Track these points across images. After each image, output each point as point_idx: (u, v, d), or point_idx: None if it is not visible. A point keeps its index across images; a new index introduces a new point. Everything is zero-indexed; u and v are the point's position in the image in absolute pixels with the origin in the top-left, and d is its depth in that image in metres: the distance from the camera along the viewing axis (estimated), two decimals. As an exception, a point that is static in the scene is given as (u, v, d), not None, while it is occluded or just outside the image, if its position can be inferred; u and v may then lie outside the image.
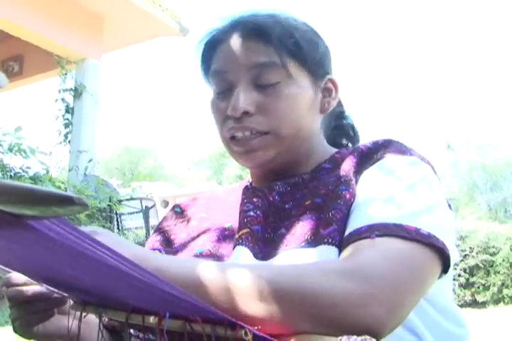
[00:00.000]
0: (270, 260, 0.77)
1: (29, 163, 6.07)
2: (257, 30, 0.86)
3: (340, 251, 0.71)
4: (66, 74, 7.49)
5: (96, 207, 6.06)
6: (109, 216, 6.60)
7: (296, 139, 0.89)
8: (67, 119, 7.42)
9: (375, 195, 0.76)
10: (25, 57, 7.95)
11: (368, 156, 0.85)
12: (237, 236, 0.82)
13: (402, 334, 0.71)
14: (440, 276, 0.72)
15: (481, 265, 9.95)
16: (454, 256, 0.82)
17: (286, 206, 0.86)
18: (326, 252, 0.72)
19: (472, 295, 9.85)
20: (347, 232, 0.72)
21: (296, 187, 0.89)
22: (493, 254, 10.08)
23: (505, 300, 9.72)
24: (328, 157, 0.92)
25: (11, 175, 5.77)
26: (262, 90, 0.86)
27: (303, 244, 0.75)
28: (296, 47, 0.87)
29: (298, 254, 0.74)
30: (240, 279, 0.58)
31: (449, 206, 0.85)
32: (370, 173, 0.82)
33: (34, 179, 5.79)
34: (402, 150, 0.85)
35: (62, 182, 6.43)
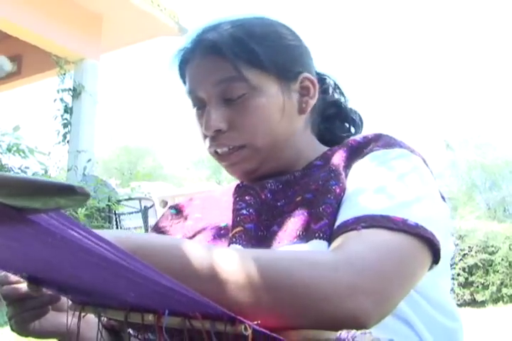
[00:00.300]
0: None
1: (28, 163, 6.08)
2: (212, 47, 0.87)
3: (330, 245, 0.71)
4: (65, 74, 7.48)
5: (95, 206, 6.06)
6: (107, 216, 6.59)
7: (275, 147, 0.90)
8: (66, 119, 7.41)
9: (363, 187, 0.76)
10: (24, 57, 7.93)
11: (357, 151, 0.86)
12: (230, 234, 0.82)
13: (394, 324, 0.71)
14: (431, 267, 0.71)
15: (480, 264, 9.95)
16: (449, 247, 0.82)
17: (279, 203, 0.86)
18: (317, 247, 0.72)
19: (471, 294, 9.85)
20: (335, 225, 0.73)
21: (288, 185, 0.89)
22: (492, 253, 10.07)
23: (505, 300, 9.72)
24: (320, 154, 0.93)
25: (9, 175, 5.76)
26: (231, 104, 0.88)
27: (295, 240, 0.75)
28: (253, 57, 0.86)
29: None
30: (228, 264, 0.58)
31: (443, 198, 0.85)
32: (359, 165, 0.82)
33: (33, 179, 5.77)
34: (391, 143, 0.85)
35: (61, 182, 6.41)
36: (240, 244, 0.79)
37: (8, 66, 5.67)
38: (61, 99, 7.46)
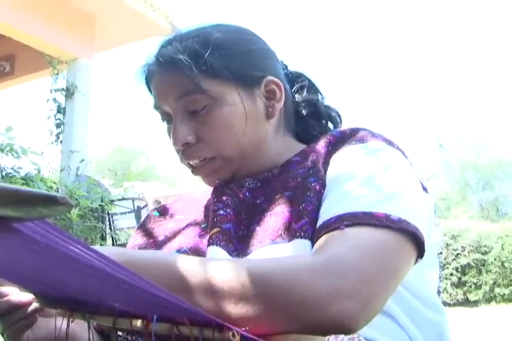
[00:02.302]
0: (245, 258, 0.76)
1: (21, 163, 6.05)
2: (169, 62, 0.88)
3: (313, 244, 0.70)
4: (58, 74, 7.44)
5: (88, 207, 6.04)
6: (101, 216, 6.57)
7: (245, 155, 0.90)
8: (59, 119, 7.38)
9: (343, 182, 0.76)
10: (17, 57, 7.90)
11: (336, 146, 0.85)
12: (208, 236, 0.81)
13: (379, 319, 0.68)
14: (416, 261, 0.71)
15: (472, 264, 10.00)
16: (434, 239, 0.81)
17: (258, 201, 0.86)
18: (300, 246, 0.72)
19: (464, 294, 9.90)
20: (318, 224, 0.72)
21: (266, 182, 0.89)
22: (484, 253, 10.12)
23: (497, 299, 9.77)
24: (298, 151, 0.92)
25: (2, 175, 5.74)
26: (196, 116, 0.88)
27: (277, 239, 0.75)
28: (209, 67, 0.86)
29: (273, 250, 0.74)
30: (221, 278, 0.58)
31: (425, 189, 0.84)
32: (338, 161, 0.82)
33: (26, 179, 5.76)
34: (369, 136, 0.85)
35: (54, 183, 6.40)
36: (218, 245, 0.78)
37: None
38: (54, 99, 7.43)
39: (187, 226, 0.91)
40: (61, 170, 6.99)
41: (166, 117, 0.93)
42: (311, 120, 1.02)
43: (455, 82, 53.77)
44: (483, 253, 10.07)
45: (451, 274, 9.80)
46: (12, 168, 5.95)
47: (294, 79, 1.03)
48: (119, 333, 0.64)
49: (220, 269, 0.59)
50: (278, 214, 0.79)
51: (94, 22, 7.49)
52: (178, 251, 0.85)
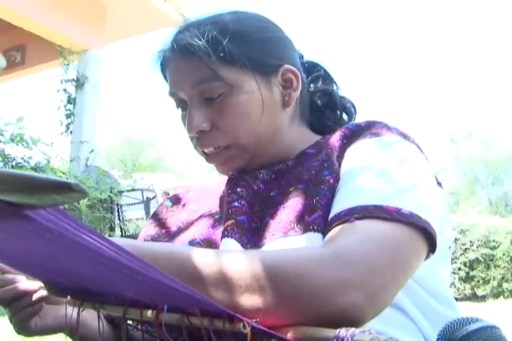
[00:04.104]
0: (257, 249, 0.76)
1: (31, 153, 6.08)
2: (186, 48, 0.86)
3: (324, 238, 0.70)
4: (68, 64, 7.46)
5: (97, 197, 6.06)
6: (110, 207, 6.59)
7: (261, 143, 0.89)
8: (69, 110, 7.40)
9: (356, 176, 0.75)
10: (28, 47, 7.91)
11: (351, 139, 0.84)
12: (222, 228, 0.80)
13: (389, 312, 0.68)
14: (428, 256, 0.70)
15: (481, 259, 9.95)
16: (447, 235, 0.80)
17: (272, 194, 0.85)
18: (312, 240, 0.71)
19: (472, 288, 9.86)
20: (329, 217, 0.71)
21: (281, 174, 0.88)
22: (493, 248, 10.07)
23: (505, 294, 9.72)
24: (313, 143, 0.91)
25: (12, 165, 5.77)
26: (212, 104, 0.87)
27: (289, 232, 0.74)
28: (227, 55, 0.85)
29: (285, 243, 0.73)
30: (235, 270, 0.58)
31: (439, 184, 0.83)
32: (352, 154, 0.81)
33: (35, 169, 5.79)
34: (385, 129, 0.83)
35: (64, 173, 6.42)
36: (232, 237, 0.77)
37: (2, 62, 5.62)
38: (64, 90, 7.45)
39: (200, 217, 0.91)
40: (71, 161, 7.02)
41: (181, 104, 0.92)
42: (326, 110, 1.01)
43: (468, 76, 53.44)
44: (491, 248, 10.01)
45: (459, 269, 9.76)
46: (22, 158, 5.98)
47: (310, 68, 1.02)
48: (129, 322, 0.65)
49: (231, 260, 0.59)
50: (291, 207, 0.78)
51: (105, 13, 7.49)
52: (191, 242, 0.84)
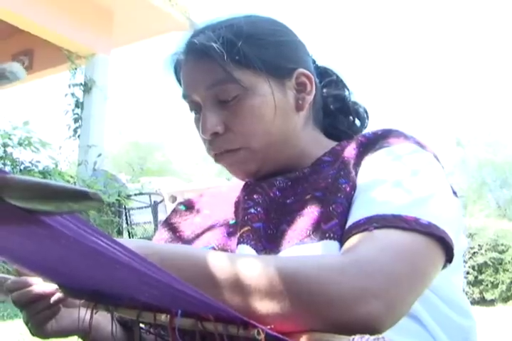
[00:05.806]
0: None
1: (39, 157, 6.10)
2: (201, 50, 0.86)
3: (341, 246, 0.70)
4: (76, 68, 7.50)
5: (105, 201, 6.08)
6: (117, 210, 6.61)
7: (272, 147, 0.88)
8: (77, 114, 7.44)
9: (374, 184, 0.75)
10: (36, 52, 7.96)
11: (367, 147, 0.84)
12: (238, 234, 0.80)
13: (406, 322, 0.68)
14: (445, 266, 0.70)
15: (489, 263, 9.90)
16: (461, 244, 0.80)
17: (288, 201, 0.85)
18: (328, 247, 0.71)
19: (480, 292, 9.81)
20: (347, 225, 0.71)
21: (297, 182, 0.88)
22: (501, 252, 10.02)
23: (514, 298, 9.67)
24: (329, 149, 0.91)
25: (20, 169, 5.80)
26: (226, 106, 0.87)
27: (305, 239, 0.74)
28: (242, 57, 0.85)
29: (301, 251, 0.73)
30: (250, 275, 0.58)
31: (455, 193, 0.83)
32: (369, 162, 0.80)
33: (43, 173, 5.81)
34: (402, 138, 0.83)
35: (71, 177, 6.45)
36: (248, 244, 0.77)
37: (23, 74, 5.66)
38: (72, 94, 7.49)
39: (215, 222, 0.91)
40: (78, 165, 7.05)
41: (195, 107, 0.91)
42: (339, 115, 1.01)
43: (475, 79, 53.35)
44: (500, 252, 9.96)
45: (468, 273, 9.72)
46: (30, 162, 6.01)
47: (322, 73, 1.02)
48: (142, 326, 0.65)
49: (247, 265, 0.59)
50: (307, 214, 0.78)
51: (112, 17, 7.52)
52: (206, 247, 0.84)
